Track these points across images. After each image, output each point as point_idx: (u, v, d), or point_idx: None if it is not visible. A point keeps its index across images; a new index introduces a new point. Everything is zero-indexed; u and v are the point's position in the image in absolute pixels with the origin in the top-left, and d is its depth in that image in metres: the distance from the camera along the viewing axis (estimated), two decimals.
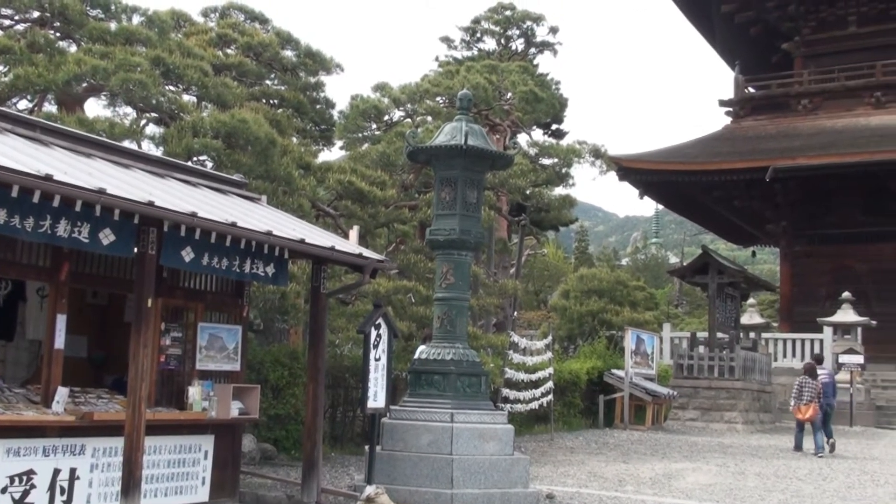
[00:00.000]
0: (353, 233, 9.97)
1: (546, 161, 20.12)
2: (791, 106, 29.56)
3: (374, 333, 9.63)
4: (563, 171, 19.68)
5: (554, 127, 31.48)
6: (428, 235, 10.42)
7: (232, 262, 7.72)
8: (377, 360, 9.72)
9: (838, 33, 30.01)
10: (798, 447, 16.72)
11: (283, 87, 16.81)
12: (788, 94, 29.76)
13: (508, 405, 15.99)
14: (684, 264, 28.58)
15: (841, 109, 28.58)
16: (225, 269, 7.69)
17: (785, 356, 25.79)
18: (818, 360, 19.66)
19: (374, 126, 18.40)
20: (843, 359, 23.75)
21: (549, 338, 18.59)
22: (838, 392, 23.22)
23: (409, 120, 18.46)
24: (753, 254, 39.94)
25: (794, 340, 26.10)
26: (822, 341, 25.36)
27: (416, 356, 11.19)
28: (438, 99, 18.12)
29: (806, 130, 28.32)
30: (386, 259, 10.28)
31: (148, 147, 12.16)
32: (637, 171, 28.72)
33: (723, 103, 30.59)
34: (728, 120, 30.43)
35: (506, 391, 16.47)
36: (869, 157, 25.85)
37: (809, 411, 16.53)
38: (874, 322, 24.64)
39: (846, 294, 24.71)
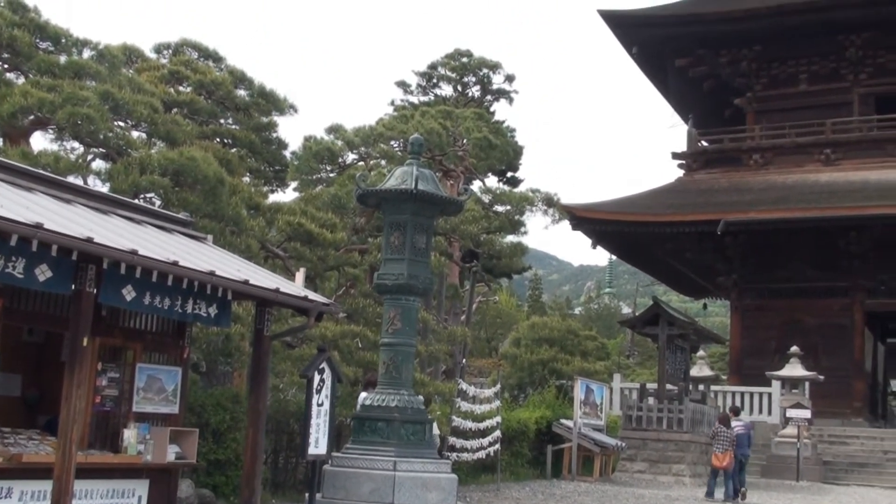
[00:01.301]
0: (300, 275, 9.85)
1: (499, 208, 20.16)
2: (743, 160, 29.92)
3: (317, 378, 9.48)
4: (516, 218, 19.73)
5: (508, 174, 31.66)
6: (376, 280, 10.32)
7: (174, 302, 7.56)
8: (320, 405, 9.56)
9: (789, 90, 30.52)
10: (710, 494, 17.24)
11: (235, 127, 16.68)
12: (740, 149, 30.13)
13: (455, 454, 15.79)
14: (636, 315, 28.65)
15: (791, 165, 28.98)
16: (166, 308, 7.54)
17: None
18: (735, 411, 20.19)
19: (327, 168, 18.32)
20: (791, 413, 23.83)
21: (499, 386, 18.45)
22: (785, 446, 23.38)
23: (362, 163, 18.41)
24: (705, 306, 40.13)
25: (742, 393, 26.20)
26: (770, 395, 25.47)
27: (360, 402, 11.02)
28: (393, 143, 18.10)
29: (757, 185, 28.64)
30: (332, 302, 10.12)
31: (94, 183, 11.94)
32: (590, 221, 28.83)
33: (676, 156, 30.88)
34: (681, 172, 30.72)
35: (453, 439, 16.27)
36: (818, 214, 26.18)
37: (726, 459, 17.29)
38: (822, 377, 24.80)
39: (794, 348, 24.88)
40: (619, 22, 30.23)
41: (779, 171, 29.02)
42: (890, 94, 29.33)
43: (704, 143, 31.23)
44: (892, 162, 27.62)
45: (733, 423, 18.56)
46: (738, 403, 25.90)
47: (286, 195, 19.81)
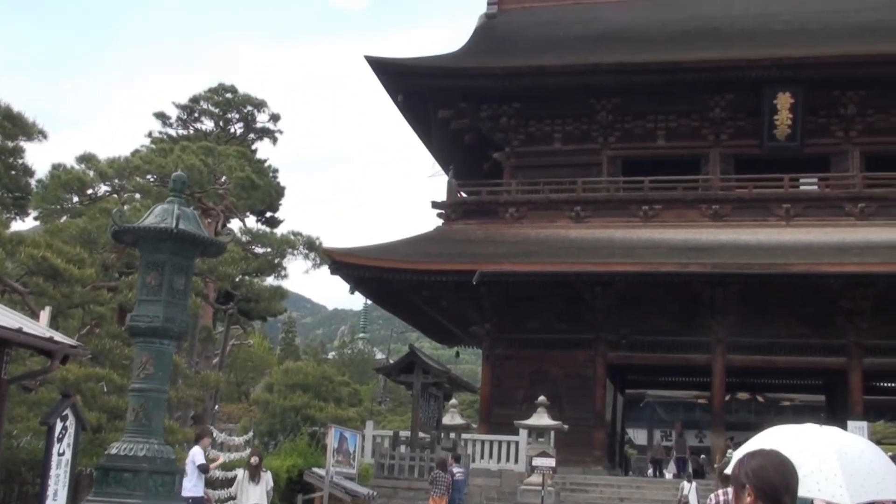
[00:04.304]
0: (45, 314, 9.12)
1: (259, 249, 19.67)
2: (499, 213, 30.73)
3: (59, 426, 8.76)
4: (276, 261, 19.30)
5: (269, 215, 31.12)
6: (129, 321, 9.66)
7: None
8: (61, 454, 8.83)
9: (545, 148, 31.73)
10: None
11: None
12: (497, 202, 30.94)
13: None
14: (391, 362, 28.71)
15: (545, 220, 30.04)
16: None
17: (483, 457, 26.21)
18: (456, 458, 21.14)
19: (75, 199, 17.27)
20: (537, 461, 24.40)
21: (250, 433, 17.88)
22: (530, 494, 23.91)
23: (115, 196, 17.49)
24: (457, 354, 40.83)
25: (492, 442, 26.62)
26: (517, 443, 26.02)
27: (107, 451, 10.31)
28: (149, 176, 17.32)
29: (512, 238, 29.49)
30: (79, 344, 9.42)
31: None
32: (349, 266, 28.71)
33: (435, 205, 31.33)
34: (440, 222, 31.19)
35: None
36: (567, 268, 27.23)
37: (442, 503, 18.46)
38: (566, 426, 25.59)
39: (542, 398, 25.53)
40: (385, 69, 30.51)
41: (532, 225, 30.00)
42: (634, 157, 31.12)
43: (464, 194, 31.87)
44: (635, 221, 29.18)
45: (455, 469, 19.66)
46: (487, 451, 26.36)
47: (25, 224, 18.55)
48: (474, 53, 32.07)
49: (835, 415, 32.99)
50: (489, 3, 35.06)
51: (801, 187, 29.87)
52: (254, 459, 15.52)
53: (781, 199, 28.60)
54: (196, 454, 14.32)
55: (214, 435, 16.46)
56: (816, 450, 4.31)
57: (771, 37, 29.93)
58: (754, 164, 29.71)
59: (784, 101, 28.61)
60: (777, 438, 4.39)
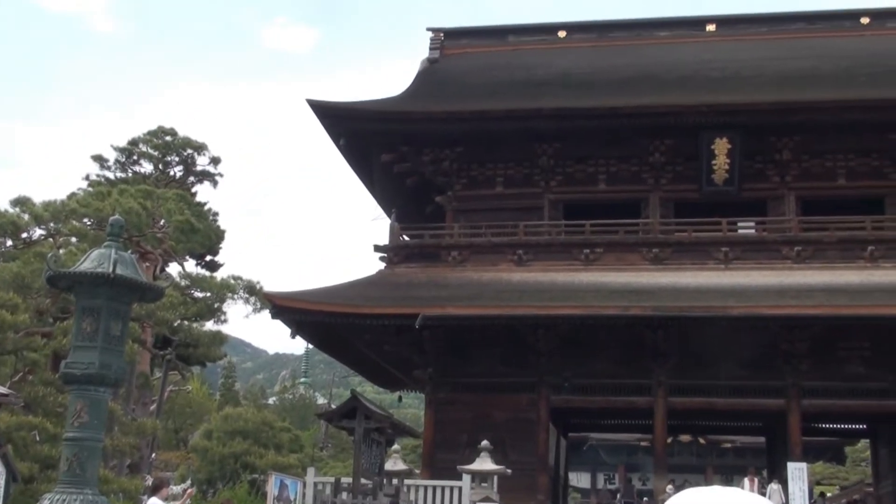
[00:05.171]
0: None
1: (198, 294, 19.39)
2: (442, 256, 30.69)
3: None
4: (216, 305, 19.04)
5: (209, 258, 30.76)
6: (63, 368, 9.39)
7: None
8: None
9: (487, 192, 31.83)
10: None
11: None
12: (440, 245, 30.91)
13: None
14: (333, 407, 28.37)
15: (487, 264, 30.06)
16: None
17: (426, 503, 25.94)
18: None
19: (9, 243, 16.91)
20: None
21: (188, 482, 17.51)
22: None
23: (51, 239, 17.15)
24: (400, 398, 40.50)
25: (434, 487, 26.35)
26: (461, 489, 25.79)
27: (38, 503, 9.96)
28: (86, 220, 17.02)
29: (455, 281, 29.44)
30: (11, 392, 9.14)
31: None
32: (290, 310, 28.39)
33: (378, 249, 31.19)
34: (383, 265, 31.06)
35: None
36: (509, 312, 27.23)
37: None
38: (509, 471, 25.43)
39: (485, 442, 25.36)
40: (327, 113, 30.47)
41: (475, 268, 30.01)
42: (576, 201, 31.34)
43: (406, 238, 31.81)
44: (576, 265, 29.34)
45: None
46: (430, 497, 26.09)
47: None
48: (417, 97, 32.19)
49: (775, 456, 33.33)
50: (431, 48, 35.30)
51: (739, 231, 30.26)
52: None
53: (720, 242, 28.98)
54: None
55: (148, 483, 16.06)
56: None
57: (707, 83, 30.51)
58: (693, 208, 30.09)
59: (721, 146, 29.09)
60: (693, 497, 4.60)
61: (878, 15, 33.60)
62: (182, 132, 30.13)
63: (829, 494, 43.71)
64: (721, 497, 4.71)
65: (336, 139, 31.03)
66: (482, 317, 27.41)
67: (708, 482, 45.83)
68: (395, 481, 25.01)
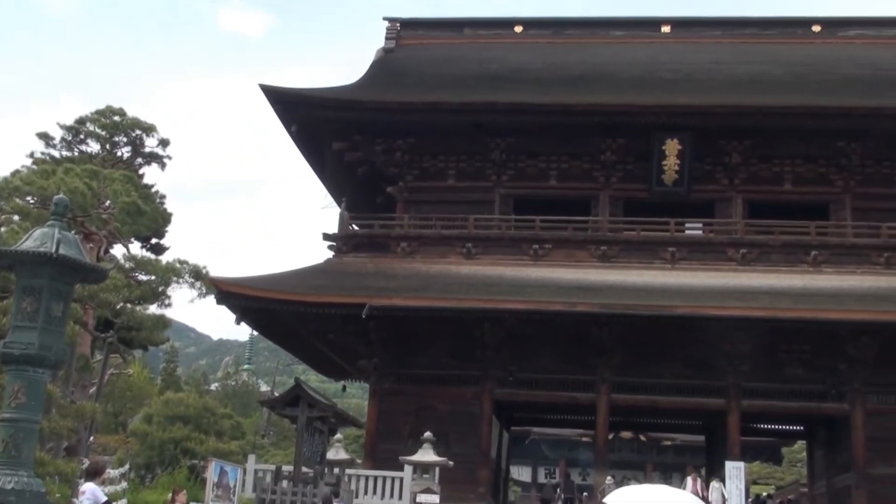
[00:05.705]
0: None
1: (142, 277, 19.13)
2: (391, 247, 30.61)
3: None
4: (160, 289, 18.80)
5: (154, 241, 30.35)
6: (2, 348, 9.22)
7: None
8: None
9: (438, 184, 31.81)
10: None
11: None
12: (389, 236, 30.82)
13: None
14: (276, 394, 28.19)
15: (436, 256, 30.04)
16: None
17: (367, 493, 25.89)
18: (335, 493, 21.12)
19: None
20: (421, 498, 24.25)
21: (126, 466, 17.30)
22: None
23: None
24: (344, 388, 40.40)
25: (376, 478, 26.31)
26: (402, 480, 25.78)
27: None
28: (29, 198, 16.72)
29: (403, 272, 29.39)
30: None
31: None
32: (236, 296, 28.16)
33: (327, 237, 31.02)
34: (331, 254, 30.89)
35: None
36: (456, 304, 27.24)
37: None
38: (451, 463, 25.49)
39: (428, 434, 25.39)
40: (279, 99, 30.23)
41: (424, 260, 29.98)
42: (526, 196, 31.43)
43: (356, 227, 31.69)
44: (525, 260, 29.44)
45: None
46: (371, 487, 26.06)
47: None
48: (371, 87, 32.05)
49: (714, 455, 33.74)
50: (387, 38, 35.17)
51: (687, 232, 30.60)
52: None
53: (667, 242, 29.25)
54: (96, 492, 13.37)
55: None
56: None
57: (661, 84, 30.74)
58: (642, 208, 30.34)
59: (672, 147, 29.34)
60: (624, 497, 4.79)
61: (829, 23, 34.09)
62: (131, 113, 29.71)
63: (764, 494, 44.39)
64: (658, 495, 4.85)
65: (288, 126, 30.78)
66: (429, 308, 27.38)
67: (648, 479, 46.40)
68: (336, 470, 24.95)
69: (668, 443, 50.27)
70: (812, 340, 27.48)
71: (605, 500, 4.73)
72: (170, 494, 16.48)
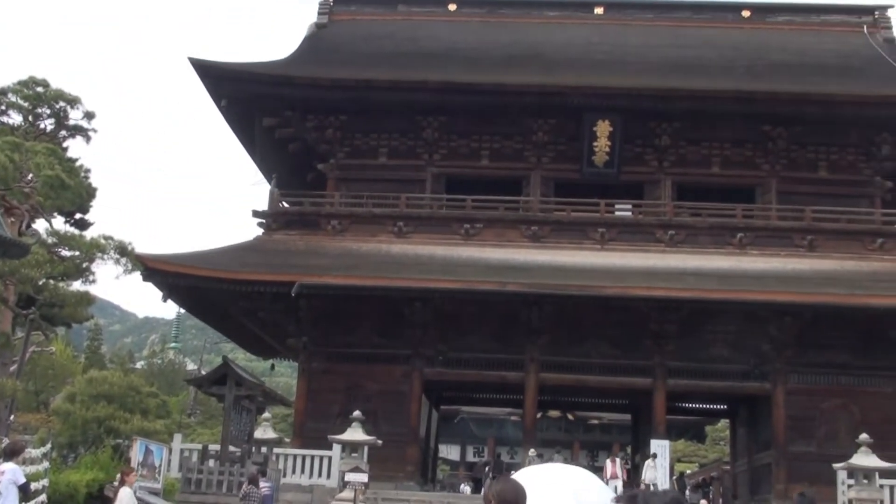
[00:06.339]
0: None
1: (66, 253, 18.71)
2: (321, 225, 30.35)
3: None
4: (84, 265, 18.40)
5: (79, 216, 29.72)
6: None
7: None
8: None
9: (370, 162, 31.61)
10: None
11: None
12: (319, 214, 30.56)
13: None
14: (203, 373, 27.86)
15: (367, 234, 29.87)
16: None
17: (294, 472, 25.77)
18: (262, 472, 21.27)
19: None
20: (349, 477, 24.16)
21: (48, 445, 16.93)
22: None
23: None
24: (272, 366, 40.04)
25: (304, 457, 26.20)
26: (330, 459, 25.70)
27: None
28: None
29: (333, 251, 29.18)
30: None
31: None
32: (162, 273, 27.71)
33: (256, 214, 30.66)
34: (261, 231, 30.56)
35: None
36: (386, 283, 27.17)
37: None
38: (380, 441, 25.46)
39: (357, 413, 25.31)
40: (209, 73, 29.75)
41: (355, 238, 29.81)
42: (458, 176, 31.43)
43: (286, 205, 31.37)
44: (456, 239, 29.45)
45: (262, 484, 19.70)
46: (299, 466, 25.95)
47: None
48: (302, 62, 31.69)
49: (639, 433, 34.25)
50: (320, 13, 34.79)
51: (617, 213, 30.84)
52: None
53: (597, 223, 29.47)
54: (16, 472, 12.96)
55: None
56: (558, 486, 4.82)
57: (593, 66, 30.90)
58: (573, 189, 30.51)
59: (603, 128, 29.54)
60: (531, 474, 4.90)
61: (759, 9, 34.62)
62: (55, 84, 28.99)
63: (688, 472, 45.16)
64: (564, 474, 5.03)
65: (218, 100, 30.31)
66: (359, 287, 27.27)
67: (575, 457, 46.91)
68: (264, 450, 24.76)
69: (596, 421, 50.82)
70: (737, 321, 27.94)
71: (515, 475, 4.83)
72: (118, 475, 16.12)
